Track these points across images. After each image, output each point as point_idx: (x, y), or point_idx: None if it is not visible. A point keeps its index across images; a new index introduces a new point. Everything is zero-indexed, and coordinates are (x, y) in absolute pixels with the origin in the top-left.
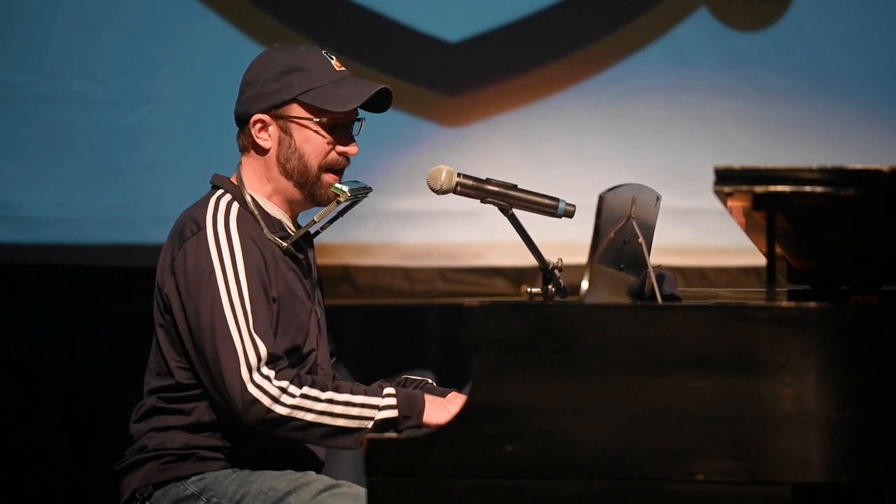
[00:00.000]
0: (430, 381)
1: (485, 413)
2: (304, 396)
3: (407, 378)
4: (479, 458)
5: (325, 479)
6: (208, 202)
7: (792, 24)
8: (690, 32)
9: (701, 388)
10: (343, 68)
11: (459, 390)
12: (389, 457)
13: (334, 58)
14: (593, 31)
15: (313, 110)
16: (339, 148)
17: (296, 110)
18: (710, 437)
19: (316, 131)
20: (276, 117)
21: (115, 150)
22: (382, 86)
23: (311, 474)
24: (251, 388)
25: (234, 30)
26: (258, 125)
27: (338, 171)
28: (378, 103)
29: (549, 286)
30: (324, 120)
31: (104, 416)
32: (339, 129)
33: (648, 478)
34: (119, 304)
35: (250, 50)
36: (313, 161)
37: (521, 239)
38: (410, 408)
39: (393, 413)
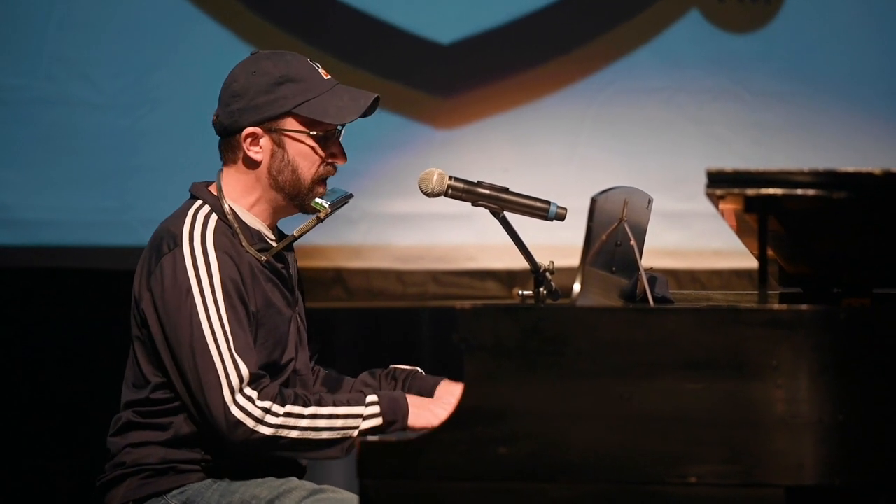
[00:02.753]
0: (419, 370)
1: (477, 416)
2: (287, 415)
3: (396, 368)
4: (472, 460)
5: (307, 485)
6: (186, 215)
7: (784, 25)
8: (683, 34)
9: (693, 391)
10: (329, 76)
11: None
12: (382, 460)
13: (319, 65)
14: (585, 32)
15: (308, 123)
16: (330, 159)
17: (290, 123)
18: (703, 439)
19: (309, 145)
20: (268, 130)
21: (109, 153)
22: (375, 95)
23: (294, 480)
24: (234, 410)
25: (228, 33)
26: (249, 138)
27: (326, 180)
28: (367, 108)
29: (541, 289)
30: (318, 132)
31: (99, 420)
32: (330, 138)
33: (641, 481)
34: (113, 306)
35: (244, 53)
36: (305, 174)
37: (512, 242)
38: (395, 412)
39: (377, 421)
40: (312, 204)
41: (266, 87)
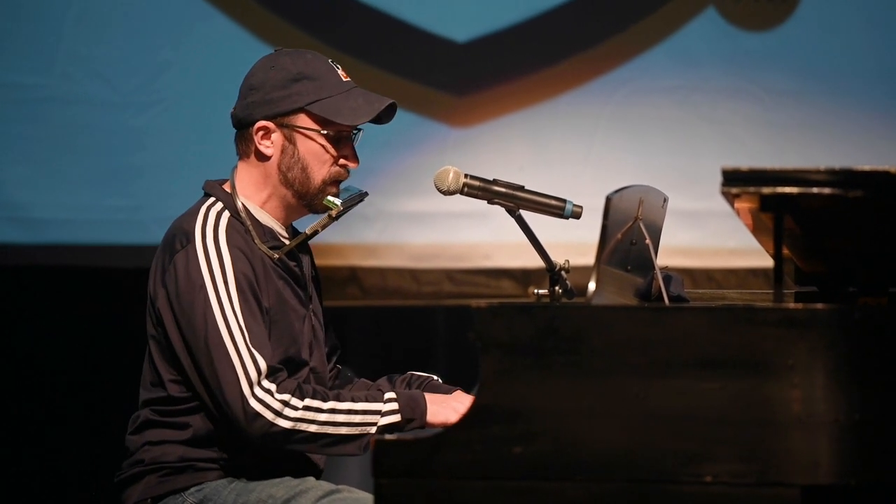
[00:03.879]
0: (435, 377)
1: (493, 414)
2: (306, 408)
3: (412, 375)
4: (487, 459)
5: (324, 485)
6: (198, 212)
7: (799, 23)
8: (698, 32)
9: (709, 390)
10: (349, 78)
11: (466, 390)
12: (397, 458)
13: (340, 67)
14: (601, 30)
15: (321, 121)
16: (342, 160)
17: (302, 120)
18: (719, 438)
19: (321, 143)
20: (280, 125)
21: (123, 152)
22: (391, 100)
23: (310, 480)
24: (253, 403)
25: (243, 31)
26: (261, 132)
27: (338, 182)
28: (383, 114)
29: (557, 287)
30: (330, 132)
31: (112, 418)
32: (343, 140)
33: (657, 479)
34: (126, 305)
35: (259, 51)
36: (316, 173)
37: (528, 240)
38: (413, 409)
39: (395, 418)
40: (324, 202)
41: (282, 83)
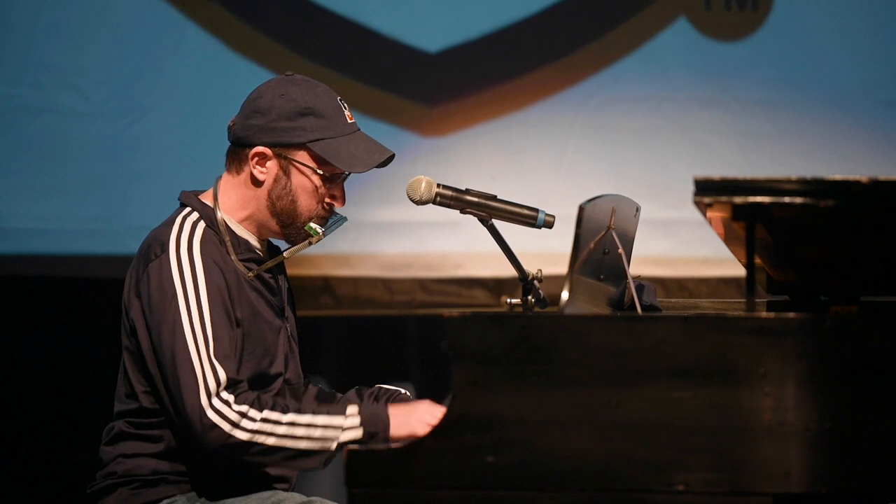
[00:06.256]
0: (403, 391)
1: (465, 424)
2: (264, 420)
3: (381, 388)
4: (460, 469)
5: (296, 497)
6: (174, 222)
7: (771, 33)
8: (670, 42)
9: (681, 399)
10: (353, 120)
11: (439, 401)
12: (370, 468)
13: (347, 106)
14: (573, 40)
15: (318, 160)
16: (328, 200)
17: (301, 156)
18: (691, 447)
19: (314, 181)
20: (278, 155)
21: (96, 162)
22: (391, 152)
23: (281, 493)
24: (210, 414)
25: (216, 41)
26: (257, 157)
27: (320, 219)
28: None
29: (529, 297)
30: (325, 173)
31: (90, 428)
32: (335, 179)
33: (629, 489)
34: (100, 315)
35: (232, 61)
36: (304, 209)
37: (500, 249)
38: (375, 425)
39: (357, 433)
40: (306, 228)
41: (288, 114)
